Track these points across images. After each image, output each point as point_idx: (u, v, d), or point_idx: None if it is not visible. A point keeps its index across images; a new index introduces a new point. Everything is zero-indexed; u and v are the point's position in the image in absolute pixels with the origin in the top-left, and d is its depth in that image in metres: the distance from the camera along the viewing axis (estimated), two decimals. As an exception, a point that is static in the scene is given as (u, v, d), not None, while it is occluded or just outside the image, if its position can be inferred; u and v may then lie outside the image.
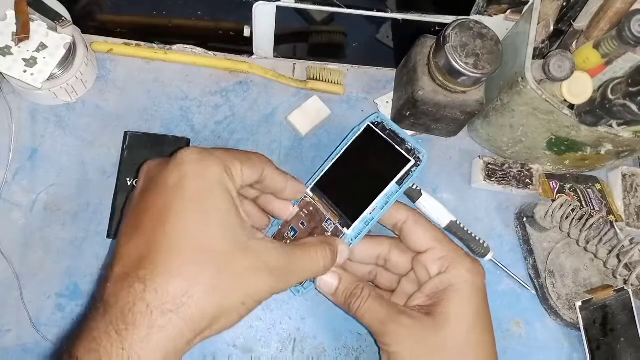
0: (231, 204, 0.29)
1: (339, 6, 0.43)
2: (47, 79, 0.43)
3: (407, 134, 0.38)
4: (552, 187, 0.48)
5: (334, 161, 0.39)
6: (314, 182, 0.39)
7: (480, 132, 0.48)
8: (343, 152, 0.39)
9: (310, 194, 0.39)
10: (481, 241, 0.44)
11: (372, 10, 0.44)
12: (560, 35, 0.44)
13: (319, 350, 0.42)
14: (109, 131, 0.46)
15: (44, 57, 0.42)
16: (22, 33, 0.42)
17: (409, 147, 0.37)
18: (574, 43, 0.42)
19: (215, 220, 0.28)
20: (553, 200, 0.45)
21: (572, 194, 0.48)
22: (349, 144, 0.39)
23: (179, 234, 0.27)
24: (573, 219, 0.44)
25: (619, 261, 0.43)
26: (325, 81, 0.49)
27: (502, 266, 0.46)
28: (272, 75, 0.49)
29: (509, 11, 0.43)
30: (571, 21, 0.42)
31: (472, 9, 0.43)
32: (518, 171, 0.47)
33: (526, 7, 0.43)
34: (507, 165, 0.47)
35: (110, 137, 0.46)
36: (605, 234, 0.43)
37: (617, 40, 0.37)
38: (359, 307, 0.35)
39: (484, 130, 0.47)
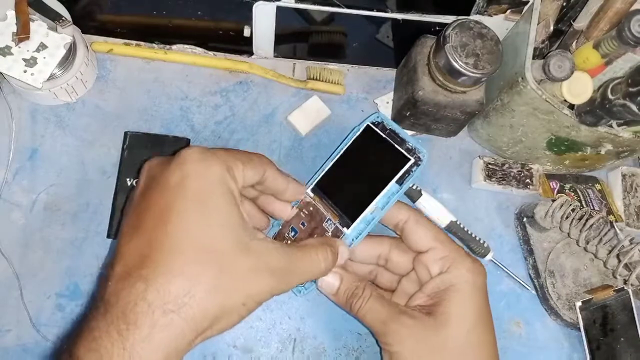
0: (233, 204, 0.29)
1: (339, 6, 0.43)
2: (47, 79, 0.43)
3: (407, 133, 0.38)
4: (552, 187, 0.48)
5: (334, 161, 0.39)
6: (314, 182, 0.39)
7: (480, 132, 0.48)
8: (343, 152, 0.39)
9: (311, 194, 0.39)
10: (481, 241, 0.44)
11: (372, 10, 0.44)
12: (560, 35, 0.44)
13: (319, 350, 0.42)
14: (109, 131, 0.46)
15: (44, 57, 0.42)
16: (22, 33, 0.42)
17: (410, 147, 0.37)
18: (574, 43, 0.42)
19: (217, 221, 0.28)
20: (553, 200, 0.45)
21: (572, 194, 0.48)
22: (349, 144, 0.39)
23: (180, 234, 0.27)
24: (573, 219, 0.44)
25: (619, 261, 0.43)
26: (325, 81, 0.49)
27: (502, 266, 0.46)
28: (272, 75, 0.49)
29: (509, 11, 0.43)
30: (571, 21, 0.42)
31: (472, 9, 0.43)
32: (518, 171, 0.47)
33: (526, 7, 0.43)
34: (507, 165, 0.47)
35: (110, 137, 0.46)
36: (605, 234, 0.43)
37: (617, 41, 0.37)
38: (361, 307, 0.35)
39: (484, 130, 0.47)
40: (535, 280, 0.46)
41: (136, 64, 0.49)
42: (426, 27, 0.45)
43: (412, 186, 0.44)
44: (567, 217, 0.44)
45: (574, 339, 0.45)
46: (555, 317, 0.45)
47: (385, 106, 0.49)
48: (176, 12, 0.46)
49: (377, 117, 0.39)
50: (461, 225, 0.44)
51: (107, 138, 0.46)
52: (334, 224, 0.37)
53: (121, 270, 0.26)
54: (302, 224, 0.38)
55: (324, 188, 0.39)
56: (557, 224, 0.45)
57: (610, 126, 0.40)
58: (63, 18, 0.44)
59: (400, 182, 0.37)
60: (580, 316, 0.43)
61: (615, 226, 0.44)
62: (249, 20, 0.46)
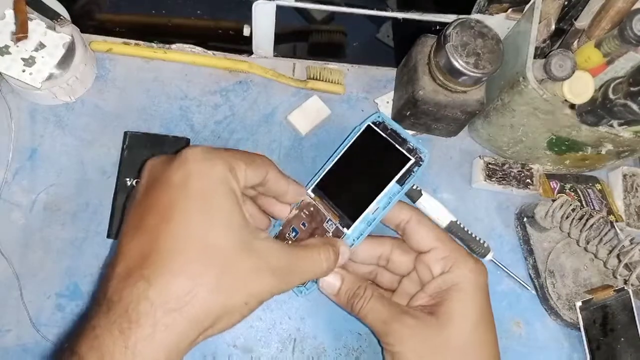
0: (235, 204, 0.29)
1: (339, 5, 0.43)
2: (46, 79, 0.42)
3: (408, 133, 0.38)
4: (552, 187, 0.48)
5: (334, 162, 0.39)
6: (315, 183, 0.39)
7: (480, 132, 0.48)
8: (344, 153, 0.39)
9: (311, 194, 0.39)
10: (481, 241, 0.44)
11: (372, 9, 0.44)
12: (562, 34, 0.44)
13: (319, 350, 0.42)
14: (108, 131, 0.46)
15: (43, 57, 0.42)
16: (21, 32, 0.42)
17: (411, 147, 0.37)
18: (576, 42, 0.42)
19: (219, 220, 0.28)
20: (553, 200, 0.45)
21: (573, 194, 0.48)
22: (349, 144, 0.39)
23: (183, 233, 0.27)
24: (573, 219, 0.44)
25: (619, 261, 0.42)
26: (325, 81, 0.49)
27: (502, 266, 0.45)
28: (271, 74, 0.49)
29: (510, 10, 0.43)
30: (572, 20, 0.42)
31: (473, 8, 0.43)
32: (518, 171, 0.47)
33: (527, 6, 0.42)
34: (507, 165, 0.47)
35: (110, 137, 0.46)
36: (606, 234, 0.43)
37: (618, 40, 0.36)
38: (362, 307, 0.35)
39: (484, 130, 0.47)
40: (535, 280, 0.46)
41: (135, 63, 0.48)
42: (427, 26, 0.45)
43: (413, 186, 0.44)
44: (567, 217, 0.44)
45: (574, 339, 0.45)
46: (555, 317, 0.45)
47: (385, 106, 0.49)
48: (175, 11, 0.46)
49: (378, 117, 0.39)
50: (461, 225, 0.44)
51: (106, 138, 0.46)
52: (335, 224, 0.37)
53: (123, 269, 0.26)
54: (303, 224, 0.38)
55: (324, 188, 0.39)
56: (557, 224, 0.45)
57: (611, 126, 0.40)
58: (62, 17, 0.44)
59: (401, 182, 0.37)
60: (580, 316, 0.43)
61: (616, 226, 0.44)
62: (248, 20, 0.45)
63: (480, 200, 0.48)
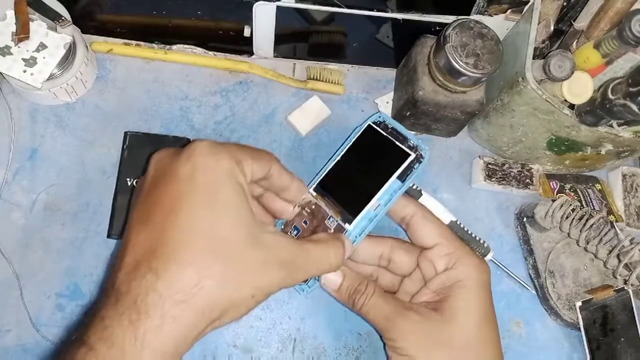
0: (243, 197, 0.29)
1: (339, 6, 0.43)
2: (47, 79, 0.43)
3: (409, 131, 0.38)
4: (552, 187, 0.48)
5: (335, 161, 0.39)
6: (317, 182, 0.39)
7: (480, 132, 0.48)
8: (345, 152, 0.39)
9: (313, 192, 0.39)
10: (481, 241, 0.44)
11: (372, 10, 0.44)
12: (561, 35, 0.44)
13: (319, 350, 0.42)
14: (108, 131, 0.46)
15: (44, 57, 0.42)
16: (22, 33, 0.42)
17: (411, 144, 0.37)
18: (575, 43, 0.42)
19: (226, 213, 0.28)
20: (553, 200, 0.45)
21: (572, 194, 0.48)
22: (350, 143, 0.39)
23: (190, 226, 0.27)
24: (573, 219, 0.44)
25: (619, 261, 0.43)
26: (326, 81, 0.49)
27: (502, 266, 0.46)
28: (272, 75, 0.49)
29: (509, 11, 0.43)
30: (571, 21, 0.42)
31: (472, 9, 0.43)
32: (518, 171, 0.47)
33: (526, 7, 0.43)
34: (507, 165, 0.47)
35: (110, 137, 0.46)
36: (605, 234, 0.43)
37: (617, 40, 0.37)
38: (364, 303, 0.35)
39: (484, 130, 0.47)
40: (535, 280, 0.46)
41: (136, 64, 0.49)
42: (426, 27, 0.45)
43: (412, 186, 0.44)
44: (567, 217, 0.44)
45: (574, 339, 0.45)
46: (555, 317, 0.45)
47: (385, 106, 0.49)
48: (176, 12, 0.46)
49: (379, 116, 0.39)
50: (461, 225, 0.44)
51: (107, 138, 0.46)
52: (337, 221, 0.37)
53: (131, 260, 0.26)
54: (305, 222, 0.38)
55: (326, 186, 0.39)
56: (557, 224, 0.45)
57: (611, 126, 0.40)
58: (63, 18, 0.44)
59: (402, 178, 0.37)
60: (580, 316, 0.43)
61: (616, 226, 0.44)
62: (249, 20, 0.46)
63: (480, 200, 0.48)
